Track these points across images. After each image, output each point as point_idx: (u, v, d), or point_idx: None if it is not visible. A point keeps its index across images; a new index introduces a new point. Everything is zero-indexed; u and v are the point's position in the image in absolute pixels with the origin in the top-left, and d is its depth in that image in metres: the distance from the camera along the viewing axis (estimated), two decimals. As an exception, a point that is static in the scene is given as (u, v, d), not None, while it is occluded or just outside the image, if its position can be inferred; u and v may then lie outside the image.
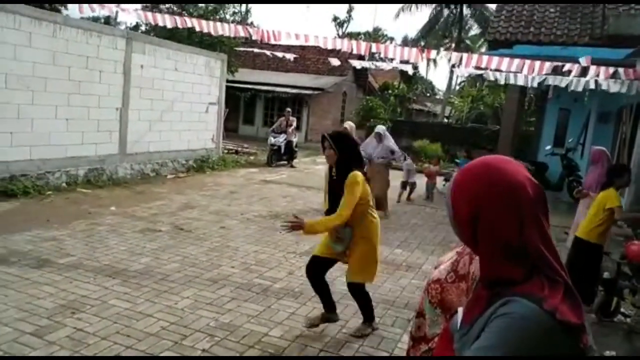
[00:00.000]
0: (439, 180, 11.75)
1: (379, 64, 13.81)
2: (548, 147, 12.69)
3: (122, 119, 9.89)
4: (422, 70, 47.12)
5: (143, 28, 21.80)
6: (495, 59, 8.69)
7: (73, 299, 4.12)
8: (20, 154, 7.92)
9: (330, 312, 4.03)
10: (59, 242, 5.58)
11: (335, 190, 3.74)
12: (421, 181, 10.99)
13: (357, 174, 3.64)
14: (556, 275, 1.06)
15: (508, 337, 0.99)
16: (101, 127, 9.42)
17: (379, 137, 8.33)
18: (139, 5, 19.92)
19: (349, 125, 8.65)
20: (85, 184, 8.96)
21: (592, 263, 4.75)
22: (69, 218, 6.65)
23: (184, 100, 11.57)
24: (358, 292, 3.92)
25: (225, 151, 14.60)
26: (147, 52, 10.33)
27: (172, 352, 3.40)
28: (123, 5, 11.27)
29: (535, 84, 9.38)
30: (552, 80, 8.95)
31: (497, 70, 9.11)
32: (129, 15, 15.40)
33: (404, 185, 10.47)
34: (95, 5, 11.76)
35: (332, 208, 3.73)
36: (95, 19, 20.71)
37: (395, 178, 9.62)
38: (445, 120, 31.07)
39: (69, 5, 16.40)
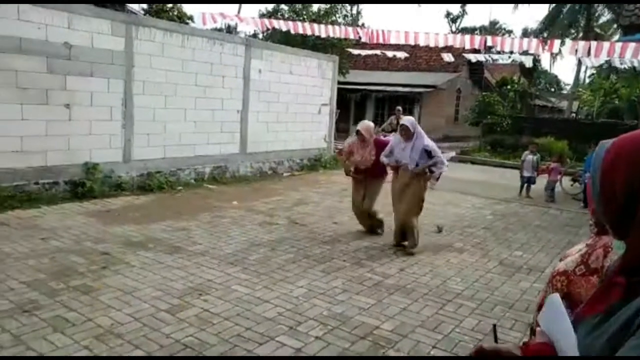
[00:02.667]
0: (565, 180, 10.86)
1: (496, 56, 13.11)
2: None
3: (243, 120, 10.54)
4: (545, 64, 43.85)
5: (260, 36, 23.06)
6: (632, 46, 7.82)
7: (200, 282, 4.49)
8: (156, 153, 8.81)
9: None
10: (188, 232, 6.11)
11: None
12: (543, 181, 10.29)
13: None
14: None
15: None
16: (224, 128, 10.13)
17: (407, 134, 5.77)
18: (256, 15, 21.09)
19: (365, 125, 6.47)
20: (211, 180, 9.72)
21: None
22: (196, 210, 7.25)
23: (298, 102, 12.00)
24: None
25: (337, 151, 14.87)
26: (264, 57, 10.89)
27: (287, 337, 3.55)
28: (242, 15, 12.03)
29: None
30: None
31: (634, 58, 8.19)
32: (247, 25, 16.41)
33: (524, 180, 10.31)
34: (217, 16, 12.67)
35: None
36: (218, 30, 22.33)
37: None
38: (573, 115, 28.58)
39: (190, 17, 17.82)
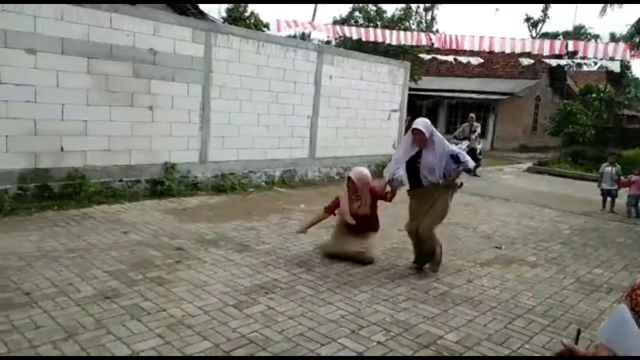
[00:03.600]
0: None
1: (579, 60, 12.42)
2: None
3: (312, 126, 10.71)
4: (636, 71, 40.79)
5: (333, 43, 23.31)
6: None
7: (266, 280, 4.62)
8: (230, 155, 9.16)
9: None
10: (257, 232, 6.31)
11: None
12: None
13: None
14: None
15: None
16: (295, 133, 10.35)
17: (421, 139, 4.83)
18: (329, 22, 21.38)
19: (359, 174, 5.39)
20: (281, 183, 9.97)
21: None
22: (266, 212, 7.46)
23: (367, 108, 12.00)
24: None
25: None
26: (335, 63, 11.01)
27: (349, 340, 3.56)
28: (315, 23, 12.27)
29: None
30: None
31: None
32: (320, 32, 16.69)
33: (604, 193, 9.78)
34: (291, 23, 12.97)
35: None
36: (292, 37, 22.88)
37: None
38: (666, 127, 26.35)
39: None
